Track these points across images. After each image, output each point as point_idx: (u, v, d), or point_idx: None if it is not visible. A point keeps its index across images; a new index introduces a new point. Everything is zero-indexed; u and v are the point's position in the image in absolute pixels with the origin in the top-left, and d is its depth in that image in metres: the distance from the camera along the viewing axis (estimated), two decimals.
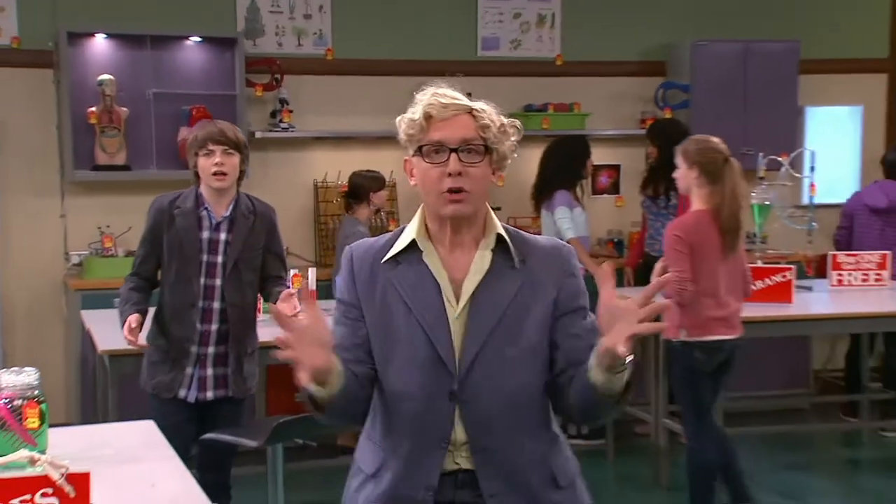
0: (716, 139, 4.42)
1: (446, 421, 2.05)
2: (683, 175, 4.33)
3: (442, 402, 2.04)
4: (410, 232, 2.12)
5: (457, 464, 2.07)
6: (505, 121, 2.10)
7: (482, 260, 2.09)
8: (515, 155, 2.12)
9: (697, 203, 4.29)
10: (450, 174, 2.02)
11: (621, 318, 1.88)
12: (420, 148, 2.06)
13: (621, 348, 1.85)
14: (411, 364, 2.05)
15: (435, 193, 2.05)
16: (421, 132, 2.05)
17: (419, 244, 2.10)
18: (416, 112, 2.06)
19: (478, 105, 2.08)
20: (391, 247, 2.12)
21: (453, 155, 2.03)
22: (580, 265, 2.22)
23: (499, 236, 2.10)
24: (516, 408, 2.08)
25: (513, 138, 2.10)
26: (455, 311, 2.06)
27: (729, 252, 4.22)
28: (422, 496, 2.06)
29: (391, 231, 2.20)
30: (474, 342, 2.04)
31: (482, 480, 2.06)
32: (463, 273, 2.08)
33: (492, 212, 2.14)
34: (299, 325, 1.90)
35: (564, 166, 5.79)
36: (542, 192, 5.79)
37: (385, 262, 2.10)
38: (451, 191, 2.03)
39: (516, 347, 2.06)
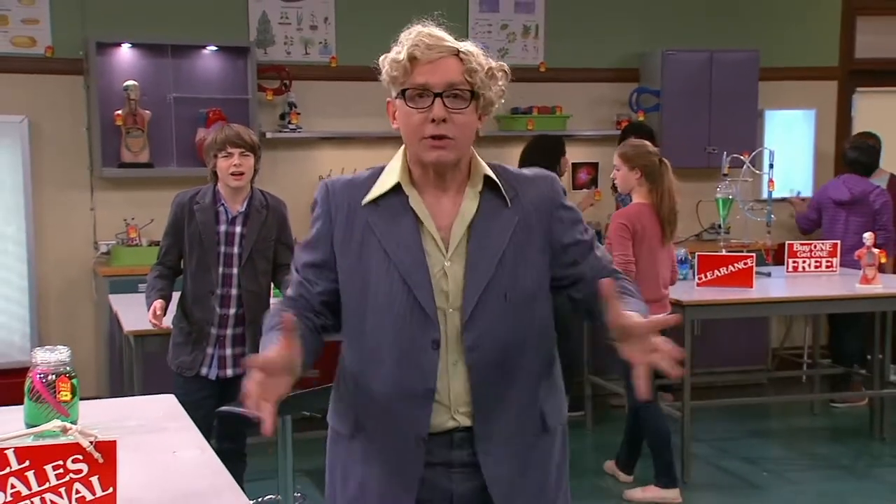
0: (649, 143, 4.56)
1: (430, 372, 1.80)
2: (624, 176, 4.43)
3: (424, 352, 1.80)
4: (393, 174, 1.87)
5: (455, 421, 1.84)
6: (493, 64, 1.84)
7: (470, 203, 1.84)
8: (503, 100, 1.87)
9: (637, 199, 4.42)
10: (433, 120, 1.77)
11: (636, 339, 1.66)
12: (403, 91, 1.80)
13: (640, 373, 1.65)
14: (388, 313, 1.80)
15: (417, 138, 1.80)
16: (405, 74, 1.79)
17: (404, 189, 1.85)
18: (400, 52, 1.80)
19: (465, 47, 1.82)
20: (371, 187, 1.88)
21: (438, 100, 1.77)
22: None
23: (486, 178, 1.86)
24: (519, 353, 1.85)
25: (500, 83, 1.85)
26: (445, 257, 1.82)
27: (667, 241, 4.39)
28: (412, 450, 1.82)
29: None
30: (474, 289, 1.80)
31: (478, 438, 1.83)
32: (450, 218, 1.84)
33: (477, 155, 1.89)
34: (272, 366, 1.66)
35: (538, 163, 5.74)
36: None
37: (365, 204, 1.85)
38: (434, 137, 1.78)
39: (517, 290, 1.83)
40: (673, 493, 4.45)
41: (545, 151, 5.76)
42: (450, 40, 1.82)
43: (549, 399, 1.93)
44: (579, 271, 1.90)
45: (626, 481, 4.69)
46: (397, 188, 1.85)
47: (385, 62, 1.83)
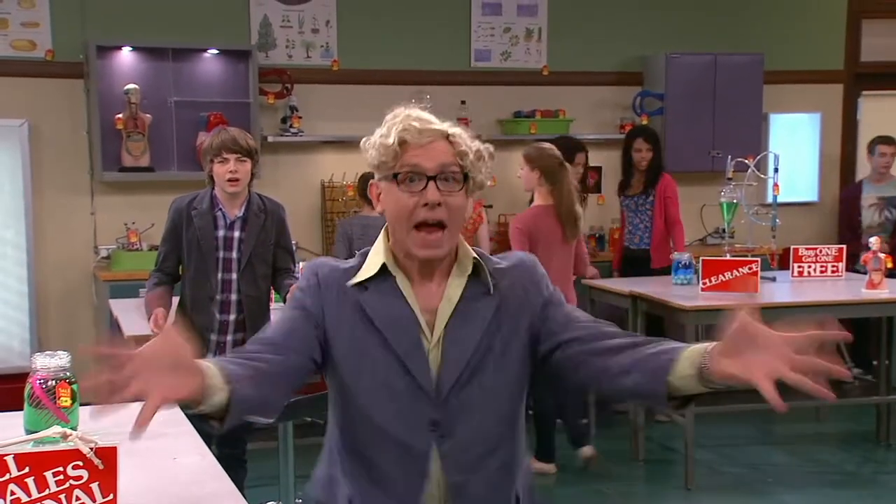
0: (551, 145, 4.83)
1: (426, 453, 1.77)
2: (527, 175, 4.69)
3: (422, 431, 1.76)
4: (377, 257, 1.81)
5: None
6: (480, 146, 1.82)
7: (455, 287, 1.80)
8: (489, 183, 1.85)
9: (539, 200, 4.69)
10: (426, 204, 1.73)
11: (766, 349, 1.51)
12: (395, 175, 1.75)
13: (764, 385, 1.50)
14: (388, 395, 1.76)
15: (408, 225, 1.75)
16: (395, 158, 1.75)
17: (390, 269, 1.80)
18: (389, 137, 1.75)
19: (453, 129, 1.79)
20: (357, 271, 1.82)
21: (431, 183, 1.73)
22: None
23: (474, 262, 1.82)
24: (496, 439, 1.81)
25: (488, 164, 1.82)
26: (430, 342, 1.78)
27: (570, 239, 4.65)
28: None
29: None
30: (450, 374, 1.76)
31: None
32: (435, 301, 1.80)
33: (462, 238, 1.84)
34: (139, 354, 1.45)
35: None
36: None
37: (353, 286, 1.79)
38: (427, 224, 1.74)
39: (495, 376, 1.78)
40: (549, 467, 4.84)
41: (562, 151, 5.74)
42: (438, 123, 1.78)
43: (521, 478, 1.89)
44: (565, 337, 1.81)
45: (550, 471, 4.88)
46: (384, 269, 1.80)
47: (371, 146, 1.79)
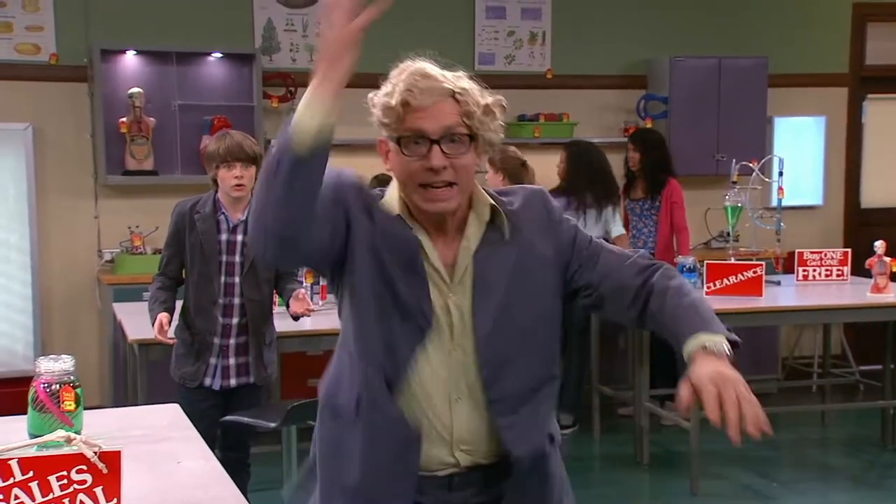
0: (514, 148, 4.96)
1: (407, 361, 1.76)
2: (491, 178, 4.80)
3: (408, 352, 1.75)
4: (392, 205, 1.77)
5: (454, 458, 1.79)
6: (490, 100, 1.75)
7: (475, 233, 1.78)
8: (502, 136, 1.80)
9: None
10: (431, 169, 1.69)
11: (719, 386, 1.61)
12: (398, 138, 1.72)
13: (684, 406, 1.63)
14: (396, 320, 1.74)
15: (414, 186, 1.72)
16: (398, 121, 1.71)
17: (407, 222, 1.77)
18: (391, 96, 1.72)
19: (460, 84, 1.73)
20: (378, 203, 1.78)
21: (435, 147, 1.69)
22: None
23: (492, 207, 1.79)
24: (538, 380, 1.82)
25: (498, 119, 1.76)
26: (449, 290, 1.76)
27: None
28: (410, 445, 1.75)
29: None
30: (484, 323, 1.75)
31: (515, 470, 1.80)
32: (453, 251, 1.77)
33: (477, 185, 1.80)
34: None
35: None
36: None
37: (383, 213, 1.76)
38: (434, 186, 1.71)
39: (529, 318, 1.78)
40: None
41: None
42: (445, 80, 1.73)
43: (551, 416, 1.93)
44: (598, 273, 1.84)
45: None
46: (401, 219, 1.77)
47: (375, 104, 1.75)
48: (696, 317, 1.75)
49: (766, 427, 1.60)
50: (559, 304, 1.85)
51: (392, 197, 1.79)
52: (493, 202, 1.80)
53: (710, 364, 1.65)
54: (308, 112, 1.55)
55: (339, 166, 1.77)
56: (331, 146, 1.58)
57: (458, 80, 1.75)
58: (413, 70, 1.74)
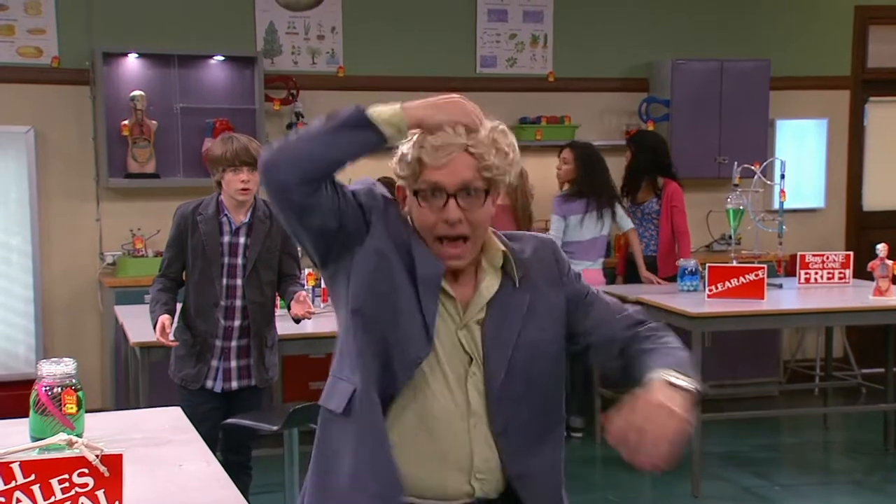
0: None
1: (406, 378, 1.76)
2: None
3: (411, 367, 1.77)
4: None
5: (471, 486, 1.79)
6: (503, 144, 1.77)
7: (490, 283, 1.82)
8: (518, 161, 1.82)
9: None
10: (447, 221, 1.73)
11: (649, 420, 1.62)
12: (416, 192, 1.76)
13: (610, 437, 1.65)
14: (393, 322, 1.75)
15: (431, 237, 1.77)
16: (414, 175, 1.76)
17: None
18: (408, 153, 1.77)
19: (473, 140, 1.74)
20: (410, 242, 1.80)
21: (452, 201, 1.73)
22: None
23: (503, 254, 1.83)
24: (548, 424, 1.87)
25: (511, 156, 1.78)
26: (460, 324, 1.80)
27: None
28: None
29: None
30: (497, 370, 1.78)
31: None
32: (467, 294, 1.81)
33: (489, 230, 1.84)
34: None
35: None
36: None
37: (407, 228, 1.79)
38: (449, 238, 1.75)
39: (538, 365, 1.82)
40: None
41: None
42: (457, 137, 1.73)
43: (561, 468, 1.93)
44: (590, 323, 1.89)
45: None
46: None
47: (395, 157, 1.80)
48: (672, 359, 1.75)
49: (661, 463, 1.60)
50: (563, 349, 1.89)
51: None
52: (504, 248, 1.84)
53: (665, 392, 1.64)
54: (390, 111, 1.73)
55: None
56: (382, 145, 1.74)
57: (469, 133, 1.75)
58: None
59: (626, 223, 5.63)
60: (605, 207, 5.52)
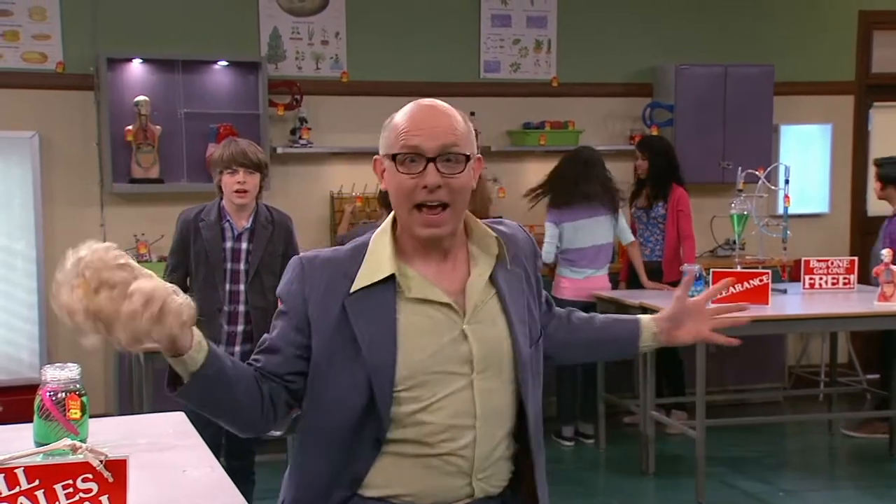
0: None
1: (364, 467, 1.74)
2: None
3: (365, 447, 1.74)
4: (384, 261, 1.74)
5: (471, 487, 1.77)
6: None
7: (485, 264, 1.79)
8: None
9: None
10: (426, 187, 1.69)
11: (693, 316, 1.98)
12: (394, 156, 1.71)
13: (687, 339, 1.98)
14: (342, 408, 1.73)
15: (409, 206, 1.71)
16: (395, 137, 1.72)
17: (398, 275, 1.73)
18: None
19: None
20: (355, 267, 1.74)
21: (431, 165, 1.69)
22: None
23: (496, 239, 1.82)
24: (539, 406, 1.87)
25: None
26: (464, 321, 1.75)
27: None
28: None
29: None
30: (522, 347, 1.79)
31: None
32: (459, 282, 1.77)
33: (470, 214, 1.81)
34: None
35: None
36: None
37: (350, 293, 1.73)
38: (428, 206, 1.70)
39: (532, 341, 1.84)
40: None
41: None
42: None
43: (539, 450, 1.91)
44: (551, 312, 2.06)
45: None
46: (390, 278, 1.74)
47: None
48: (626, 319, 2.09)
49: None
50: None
51: (381, 249, 1.76)
52: (493, 231, 1.84)
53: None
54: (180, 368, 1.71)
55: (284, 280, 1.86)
56: (212, 371, 1.70)
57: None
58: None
59: (627, 236, 5.59)
60: (605, 214, 5.50)
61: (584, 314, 2.09)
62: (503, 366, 1.78)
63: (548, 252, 5.37)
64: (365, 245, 1.79)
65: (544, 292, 1.99)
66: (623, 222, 5.58)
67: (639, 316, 2.06)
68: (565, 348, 2.04)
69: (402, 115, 1.74)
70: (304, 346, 1.76)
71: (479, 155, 1.82)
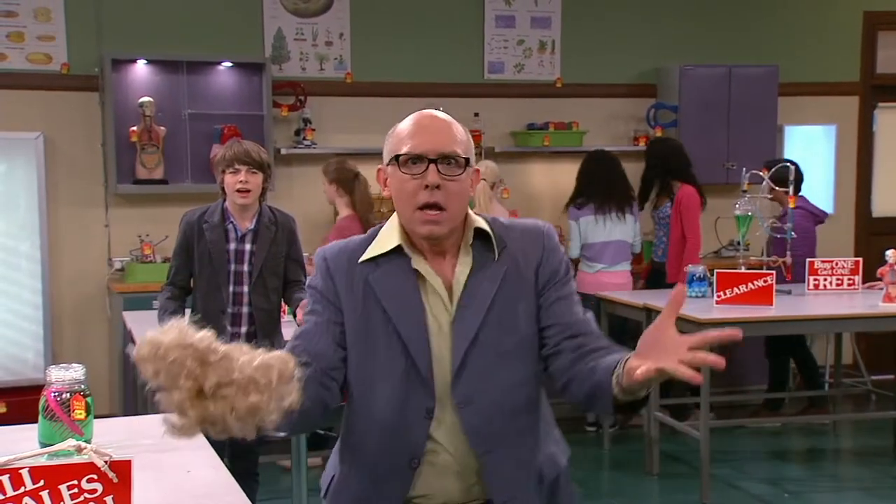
0: (346, 160, 5.28)
1: (419, 439, 1.81)
2: (327, 189, 5.13)
3: (417, 419, 1.81)
4: (392, 237, 1.86)
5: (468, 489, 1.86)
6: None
7: (465, 258, 1.86)
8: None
9: (344, 210, 5.07)
10: (427, 186, 1.79)
11: (665, 348, 1.59)
12: (397, 157, 1.82)
13: (638, 372, 1.57)
14: (387, 378, 1.81)
15: (410, 208, 1.81)
16: (399, 142, 1.83)
17: (406, 250, 1.85)
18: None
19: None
20: (366, 248, 1.88)
21: (432, 166, 1.79)
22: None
23: (477, 231, 1.87)
24: (515, 407, 1.85)
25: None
26: (451, 315, 1.83)
27: None
28: None
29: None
30: (462, 342, 1.81)
31: (494, 493, 1.83)
32: (450, 276, 1.86)
33: (470, 211, 1.89)
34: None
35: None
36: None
37: (362, 262, 1.85)
38: (427, 206, 1.79)
39: (507, 339, 1.83)
40: None
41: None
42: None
43: (544, 450, 1.92)
44: (554, 317, 1.88)
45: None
46: (398, 250, 1.85)
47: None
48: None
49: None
50: (537, 332, 1.87)
51: (390, 232, 1.88)
52: (488, 226, 1.87)
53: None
54: None
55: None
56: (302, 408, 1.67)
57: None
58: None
59: (637, 244, 5.81)
60: (615, 212, 5.63)
61: (604, 358, 1.79)
62: (445, 352, 1.83)
63: (571, 248, 5.65)
64: (374, 232, 1.92)
65: (575, 317, 1.87)
66: (637, 227, 5.73)
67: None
68: (568, 385, 1.86)
69: (405, 123, 1.86)
70: (343, 332, 1.86)
71: (477, 167, 1.91)
